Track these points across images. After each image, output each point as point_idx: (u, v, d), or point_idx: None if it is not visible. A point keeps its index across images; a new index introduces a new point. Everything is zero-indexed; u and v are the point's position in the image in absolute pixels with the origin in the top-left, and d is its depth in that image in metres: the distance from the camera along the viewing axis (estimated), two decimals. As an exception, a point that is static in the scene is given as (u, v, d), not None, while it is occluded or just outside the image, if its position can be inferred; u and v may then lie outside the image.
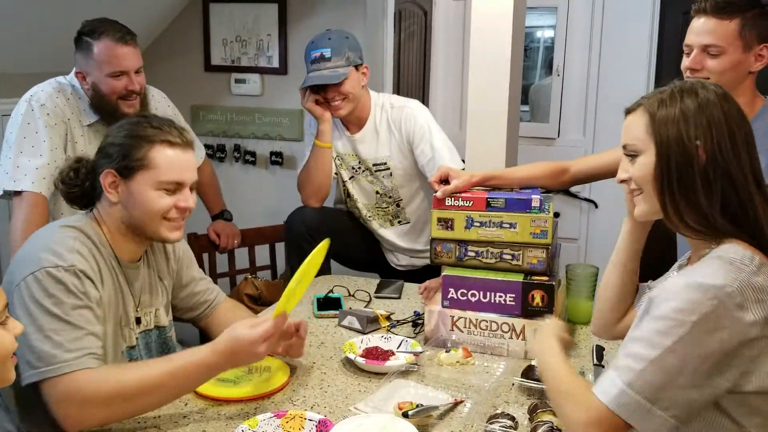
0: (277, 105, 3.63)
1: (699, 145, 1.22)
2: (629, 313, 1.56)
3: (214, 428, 1.52)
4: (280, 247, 3.05)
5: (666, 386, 1.14)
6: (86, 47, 2.32)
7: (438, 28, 4.11)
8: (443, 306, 1.96)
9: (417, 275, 2.68)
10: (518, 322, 1.88)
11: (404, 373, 1.75)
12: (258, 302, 2.67)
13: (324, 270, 2.74)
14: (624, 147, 1.34)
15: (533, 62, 4.58)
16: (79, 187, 1.68)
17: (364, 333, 2.03)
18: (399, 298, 2.38)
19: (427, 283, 2.22)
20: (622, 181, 1.37)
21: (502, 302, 1.91)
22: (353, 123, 2.72)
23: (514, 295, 1.90)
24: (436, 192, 2.03)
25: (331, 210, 2.87)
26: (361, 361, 1.79)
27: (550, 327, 1.52)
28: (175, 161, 1.65)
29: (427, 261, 2.33)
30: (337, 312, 2.17)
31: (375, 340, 1.94)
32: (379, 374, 1.76)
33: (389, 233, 2.84)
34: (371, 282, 2.53)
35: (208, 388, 1.62)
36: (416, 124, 2.64)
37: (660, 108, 1.27)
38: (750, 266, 1.18)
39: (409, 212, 2.80)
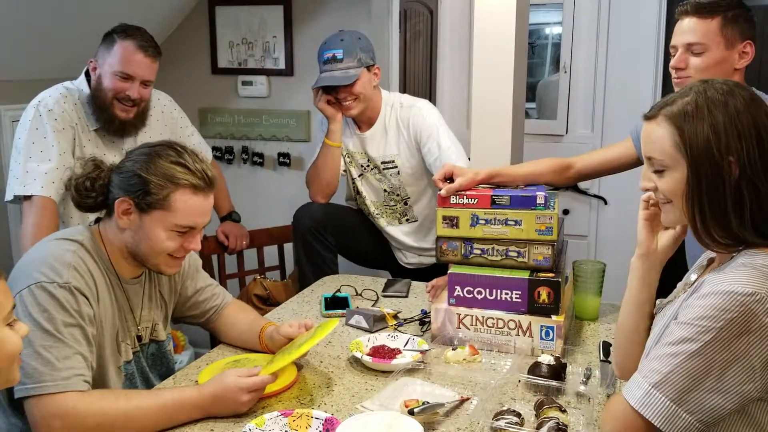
0: (284, 106, 3.64)
1: (732, 160, 1.19)
2: None
3: (221, 427, 1.53)
4: (289, 248, 3.07)
5: (692, 389, 1.15)
6: (110, 41, 2.36)
7: (444, 26, 4.11)
8: (449, 304, 1.96)
9: (426, 273, 2.70)
10: (524, 319, 1.89)
11: (411, 371, 1.75)
12: (267, 302, 2.68)
13: (332, 269, 2.76)
14: (648, 158, 1.29)
15: (542, 59, 4.56)
16: (92, 199, 1.68)
17: (371, 332, 2.04)
18: (406, 296, 2.38)
19: (434, 281, 2.23)
20: (646, 190, 1.33)
21: (509, 299, 1.91)
22: (364, 121, 2.76)
23: (520, 292, 1.90)
24: (440, 190, 2.03)
25: (337, 206, 2.90)
26: (367, 359, 1.80)
27: None
28: (194, 208, 1.63)
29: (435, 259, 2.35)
30: (344, 311, 2.18)
31: (382, 338, 1.94)
32: (386, 372, 1.77)
33: (397, 231, 2.86)
34: (378, 281, 2.54)
35: None
36: (424, 122, 2.66)
37: (687, 121, 1.21)
38: None
39: (417, 210, 2.81)
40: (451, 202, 1.99)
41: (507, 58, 2.53)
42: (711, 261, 1.37)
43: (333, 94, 2.67)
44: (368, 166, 2.80)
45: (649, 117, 1.29)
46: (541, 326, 1.87)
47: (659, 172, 1.28)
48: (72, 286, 1.53)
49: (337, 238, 2.77)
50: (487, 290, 1.93)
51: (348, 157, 2.82)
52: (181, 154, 1.64)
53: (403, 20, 3.77)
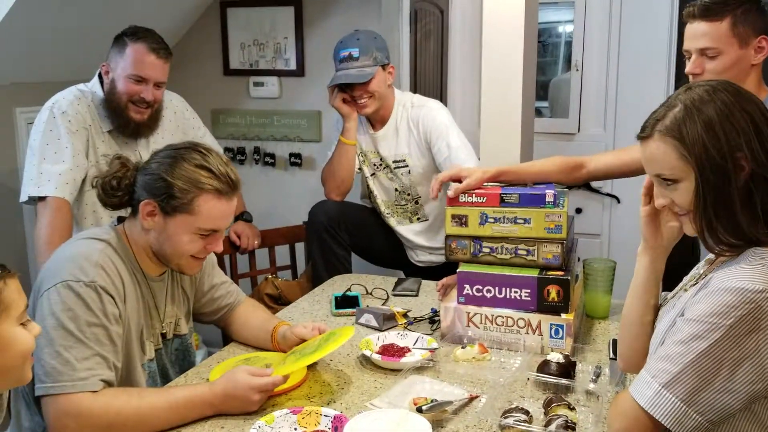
0: (295, 107, 3.66)
1: (739, 156, 1.18)
2: None
3: (231, 425, 1.54)
4: (300, 247, 3.09)
5: (702, 389, 1.15)
6: (122, 44, 2.38)
7: (455, 26, 4.10)
8: (459, 302, 1.97)
9: (437, 271, 2.70)
10: (534, 318, 1.89)
11: (420, 369, 1.76)
12: (278, 302, 2.70)
13: (345, 266, 2.77)
14: (657, 175, 1.27)
15: (554, 57, 4.55)
16: (118, 198, 1.69)
17: (381, 330, 2.04)
18: (416, 295, 2.39)
19: (444, 280, 2.23)
20: (663, 207, 1.32)
21: (518, 298, 1.91)
22: (377, 120, 2.79)
23: (529, 291, 1.90)
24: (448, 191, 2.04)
25: (352, 204, 2.93)
26: (377, 357, 1.80)
27: None
28: (218, 212, 1.64)
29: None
30: (354, 310, 2.19)
31: (391, 337, 1.95)
32: (395, 371, 1.77)
33: (407, 230, 2.87)
34: (389, 280, 2.55)
35: None
36: (434, 122, 2.68)
37: (683, 130, 1.21)
38: None
39: (428, 210, 2.83)
40: (460, 200, 1.99)
41: (516, 56, 2.52)
42: (719, 255, 1.37)
43: (348, 92, 2.70)
44: (380, 165, 2.82)
45: (644, 137, 1.27)
46: (551, 324, 1.87)
47: (671, 186, 1.26)
48: (98, 285, 1.55)
49: (351, 236, 2.79)
50: (497, 288, 1.93)
51: (362, 156, 2.84)
52: (206, 157, 1.65)
53: (414, 20, 3.78)
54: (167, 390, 1.62)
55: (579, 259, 2.24)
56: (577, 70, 4.01)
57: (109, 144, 2.46)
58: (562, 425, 1.42)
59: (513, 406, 1.51)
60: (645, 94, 3.72)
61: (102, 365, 1.52)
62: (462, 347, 1.86)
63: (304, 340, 1.82)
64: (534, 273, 1.91)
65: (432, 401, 1.52)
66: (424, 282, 2.50)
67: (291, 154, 3.68)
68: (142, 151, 2.50)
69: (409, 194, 2.81)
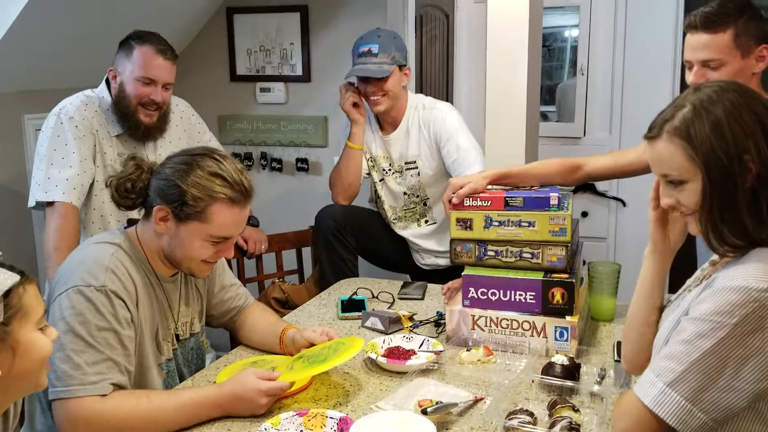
0: (301, 112, 3.68)
1: (747, 159, 1.18)
2: None
3: (238, 427, 1.55)
4: (307, 252, 3.10)
5: (707, 388, 1.15)
6: (128, 48, 2.40)
7: (460, 31, 4.10)
8: (464, 305, 1.97)
9: (444, 275, 2.71)
10: (539, 320, 1.89)
11: (425, 371, 1.77)
12: (285, 305, 2.71)
13: (352, 270, 2.78)
14: (664, 175, 1.28)
15: (560, 62, 4.55)
16: (131, 200, 1.69)
17: (386, 333, 2.05)
18: (422, 299, 2.40)
19: (449, 283, 2.24)
20: (670, 206, 1.32)
21: (523, 300, 1.92)
22: (388, 123, 2.80)
23: (534, 293, 1.90)
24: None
25: (359, 208, 2.93)
26: (382, 360, 1.81)
27: None
28: (230, 220, 1.64)
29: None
30: (360, 314, 2.20)
31: (397, 340, 1.96)
32: (401, 373, 1.78)
33: (414, 233, 2.88)
34: (395, 283, 2.56)
35: None
36: (444, 124, 2.70)
37: (691, 131, 1.20)
38: None
39: (436, 212, 2.84)
40: (465, 204, 2.00)
41: (520, 61, 2.53)
42: (723, 255, 1.37)
43: (362, 87, 2.71)
44: (390, 170, 2.83)
45: (652, 137, 1.27)
46: (556, 327, 1.87)
47: (678, 187, 1.26)
48: (108, 289, 1.56)
49: (357, 240, 2.80)
50: (501, 291, 1.94)
51: (371, 161, 2.85)
52: (220, 164, 1.64)
53: (419, 25, 3.79)
54: (176, 392, 1.64)
55: (584, 262, 2.24)
56: (583, 74, 4.02)
57: (117, 148, 2.47)
58: (567, 427, 1.43)
59: (517, 408, 1.52)
60: (650, 98, 3.71)
61: (113, 369, 1.53)
62: (467, 350, 1.87)
63: (312, 344, 1.83)
64: (539, 276, 1.91)
65: (437, 403, 1.53)
66: (430, 285, 2.51)
67: (298, 159, 3.70)
68: (150, 155, 2.52)
69: (417, 196, 2.82)
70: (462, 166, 2.61)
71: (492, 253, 1.99)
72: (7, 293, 1.12)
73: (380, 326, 2.10)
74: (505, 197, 1.97)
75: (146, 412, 1.51)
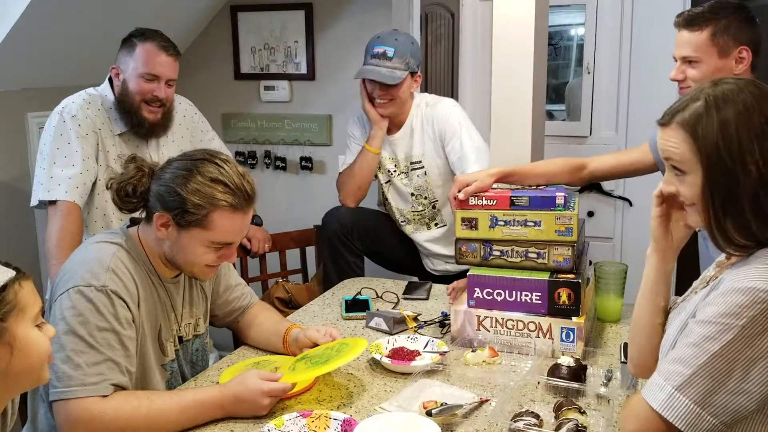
0: (305, 111, 3.66)
1: (748, 161, 1.17)
2: None
3: (241, 428, 1.54)
4: (311, 251, 3.09)
5: (715, 391, 1.14)
6: (130, 45, 2.40)
7: (466, 30, 4.09)
8: (469, 306, 1.96)
9: (452, 280, 2.68)
10: (545, 321, 1.87)
11: (430, 372, 1.75)
12: (289, 305, 2.70)
13: (357, 273, 2.76)
14: (667, 160, 1.28)
15: (567, 60, 4.53)
16: (132, 204, 1.67)
17: (391, 334, 2.04)
18: (427, 299, 2.38)
19: (454, 283, 2.22)
20: (669, 193, 1.32)
21: (528, 301, 1.90)
22: (393, 124, 2.76)
23: (540, 294, 1.89)
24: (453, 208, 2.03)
25: (366, 210, 2.90)
26: (386, 361, 1.80)
27: None
28: (232, 227, 1.62)
29: (461, 267, 2.33)
30: (364, 314, 2.18)
31: (401, 340, 1.94)
32: (405, 374, 1.77)
33: (425, 237, 2.85)
34: (399, 284, 2.54)
35: None
36: (447, 121, 2.66)
37: (699, 126, 1.20)
38: None
39: (445, 214, 2.80)
40: (470, 203, 1.99)
41: (526, 59, 2.51)
42: (729, 256, 1.36)
43: (370, 88, 2.67)
44: (395, 171, 2.79)
45: (663, 123, 1.27)
46: (562, 328, 1.86)
47: (680, 176, 1.26)
48: (109, 289, 1.54)
49: (364, 243, 2.77)
50: (507, 292, 1.92)
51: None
52: (221, 169, 1.61)
53: (425, 24, 3.77)
54: (177, 393, 1.62)
55: (590, 263, 2.23)
56: (589, 72, 3.99)
57: (120, 147, 2.46)
58: (573, 429, 1.41)
59: (523, 410, 1.50)
60: (657, 96, 3.68)
61: (113, 370, 1.52)
62: (472, 350, 1.85)
63: (316, 344, 1.82)
64: (544, 276, 1.90)
65: (442, 405, 1.52)
66: (435, 286, 2.49)
67: (302, 158, 3.69)
68: (153, 153, 2.51)
69: (425, 197, 2.78)
70: (466, 163, 2.58)
71: (497, 253, 1.97)
72: (3, 289, 1.12)
73: (384, 326, 2.08)
74: (511, 197, 1.95)
75: (148, 413, 1.50)
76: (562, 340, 1.86)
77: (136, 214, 1.75)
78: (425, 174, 2.74)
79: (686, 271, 1.52)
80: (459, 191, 2.01)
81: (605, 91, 3.95)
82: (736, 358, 1.12)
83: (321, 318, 2.24)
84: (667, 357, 1.23)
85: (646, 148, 2.19)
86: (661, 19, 3.75)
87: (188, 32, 3.68)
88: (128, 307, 1.58)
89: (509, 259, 1.96)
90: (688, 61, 2.03)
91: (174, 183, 1.60)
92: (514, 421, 1.46)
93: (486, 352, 1.83)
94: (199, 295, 1.86)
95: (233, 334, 2.17)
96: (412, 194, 2.79)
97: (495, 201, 1.97)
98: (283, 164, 3.73)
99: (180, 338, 1.79)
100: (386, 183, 2.83)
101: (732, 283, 1.16)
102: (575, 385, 1.63)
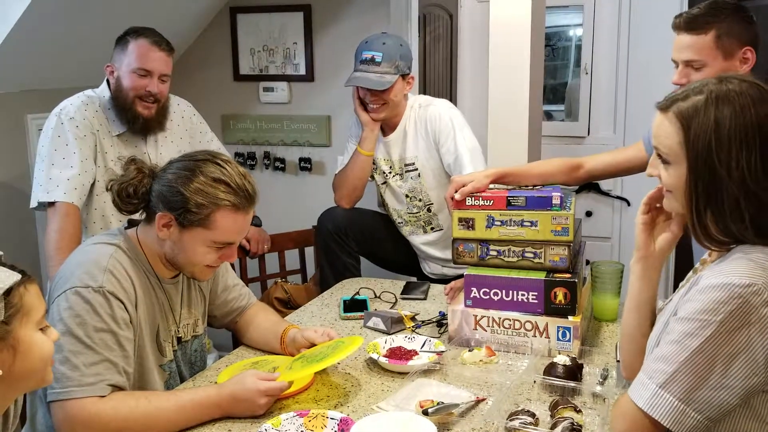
0: (305, 112, 3.67)
1: (733, 167, 1.18)
2: None
3: (239, 428, 1.54)
4: (310, 252, 3.10)
5: (698, 387, 1.15)
6: (124, 43, 2.41)
7: (464, 30, 4.10)
8: (466, 305, 1.97)
9: (449, 282, 2.69)
10: (541, 320, 1.88)
11: (427, 372, 1.76)
12: (287, 305, 2.71)
13: (354, 274, 2.77)
14: (656, 147, 1.29)
15: (565, 61, 4.54)
16: (133, 205, 1.68)
17: (388, 333, 2.04)
18: (425, 299, 2.39)
19: (452, 283, 2.22)
20: (651, 176, 1.33)
21: (525, 300, 1.91)
22: (387, 126, 2.75)
23: (536, 293, 1.90)
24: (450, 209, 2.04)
25: (362, 211, 2.90)
26: (384, 360, 1.80)
27: None
28: (234, 226, 1.63)
29: (458, 270, 2.33)
30: (362, 314, 2.19)
31: (399, 340, 1.95)
32: (403, 374, 1.77)
33: (421, 241, 2.85)
34: (397, 284, 2.55)
35: None
36: (441, 122, 2.64)
37: (693, 122, 1.21)
38: None
39: (441, 218, 2.79)
40: (467, 204, 1.99)
41: (523, 60, 2.53)
42: (711, 254, 1.37)
43: (361, 94, 2.67)
44: (390, 172, 2.79)
45: (661, 108, 1.28)
46: (558, 327, 1.87)
47: (664, 163, 1.28)
48: (106, 290, 1.55)
49: (360, 244, 2.77)
50: (504, 291, 1.93)
51: (373, 164, 2.81)
52: (223, 170, 1.62)
53: (423, 25, 3.78)
54: (175, 393, 1.63)
55: (587, 262, 2.23)
56: (587, 73, 4.01)
57: (118, 148, 2.47)
58: (569, 428, 1.42)
59: (519, 409, 1.51)
60: (654, 97, 3.67)
61: (111, 370, 1.53)
62: (469, 350, 1.86)
63: (313, 344, 1.83)
64: (541, 276, 1.90)
65: (438, 404, 1.52)
66: (432, 286, 2.50)
67: (301, 159, 3.70)
68: (151, 153, 2.51)
69: (420, 200, 2.77)
70: (461, 165, 2.56)
71: (494, 253, 1.98)
72: (8, 292, 1.12)
73: (382, 326, 2.09)
74: (508, 197, 1.96)
75: (145, 413, 1.51)
76: (558, 339, 1.87)
77: (136, 216, 1.76)
78: (419, 176, 2.72)
79: (684, 273, 1.53)
80: (456, 192, 2.02)
81: (603, 91, 3.97)
82: (716, 353, 1.14)
83: (319, 318, 2.25)
84: (651, 355, 1.24)
85: (641, 146, 2.20)
86: (659, 19, 3.76)
87: (187, 34, 3.69)
88: (125, 307, 1.58)
89: (506, 259, 1.97)
90: (691, 65, 1.98)
91: (176, 183, 1.61)
92: (510, 420, 1.47)
93: (483, 352, 1.84)
94: (197, 295, 1.87)
95: (232, 335, 2.18)
96: (407, 196, 2.78)
97: (492, 201, 1.97)
98: (282, 165, 3.74)
99: (179, 339, 1.80)
100: (382, 184, 2.83)
101: (708, 280, 1.17)
102: (571, 383, 1.64)
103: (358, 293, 2.38)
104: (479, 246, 1.99)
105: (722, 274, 1.16)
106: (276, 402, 1.62)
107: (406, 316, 2.13)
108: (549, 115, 4.33)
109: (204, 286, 1.89)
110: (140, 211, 1.72)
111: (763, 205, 1.19)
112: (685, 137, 1.22)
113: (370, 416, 1.49)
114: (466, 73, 4.11)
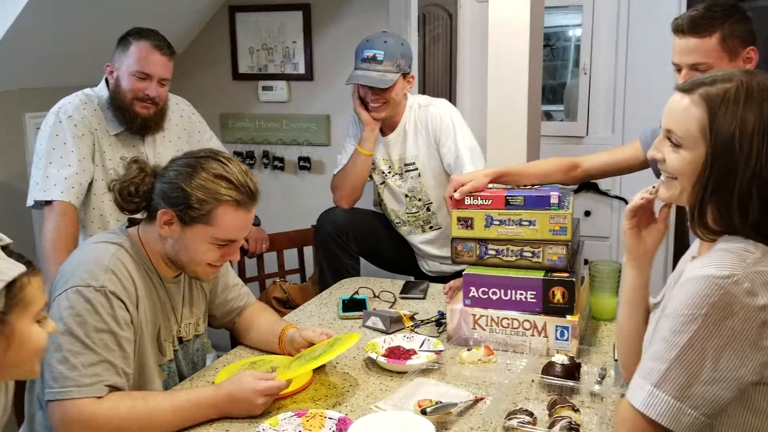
0: (304, 111, 3.67)
1: (753, 159, 1.17)
2: None
3: (236, 428, 1.54)
4: (309, 251, 3.09)
5: (691, 383, 1.14)
6: (125, 44, 2.40)
7: (463, 30, 4.11)
8: (465, 305, 1.97)
9: (448, 280, 2.68)
10: (539, 320, 1.88)
11: (426, 371, 1.76)
12: (286, 305, 2.70)
13: (353, 274, 2.77)
14: (669, 130, 1.26)
15: (564, 61, 4.55)
16: (135, 204, 1.68)
17: (387, 333, 2.04)
18: (424, 298, 2.39)
19: (451, 283, 2.23)
20: (654, 159, 1.31)
21: (523, 299, 1.91)
22: (387, 126, 2.74)
23: (534, 293, 1.90)
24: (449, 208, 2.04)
25: (360, 211, 2.89)
26: (382, 360, 1.80)
27: None
28: (236, 223, 1.63)
29: (456, 267, 2.33)
30: (361, 313, 2.19)
31: (398, 339, 1.95)
32: (401, 373, 1.77)
33: (419, 240, 2.85)
34: (396, 283, 2.55)
35: None
36: (442, 122, 2.64)
37: (721, 109, 1.19)
38: (755, 253, 1.17)
39: (440, 217, 2.79)
40: (466, 203, 1.99)
41: (522, 60, 2.53)
42: (699, 249, 1.38)
43: (362, 93, 2.66)
44: (389, 172, 2.78)
45: (684, 90, 1.25)
46: (556, 326, 1.86)
47: (674, 146, 1.26)
48: (108, 290, 1.54)
49: (359, 245, 2.76)
50: (502, 291, 1.93)
51: (372, 164, 2.81)
52: (225, 166, 1.62)
53: (422, 24, 3.78)
54: (172, 393, 1.63)
55: (586, 261, 2.24)
56: (586, 73, 4.01)
57: (116, 147, 2.47)
58: (566, 427, 1.42)
59: (517, 408, 1.51)
60: (653, 97, 3.69)
61: (110, 371, 1.52)
62: (468, 349, 1.86)
63: (311, 343, 1.82)
64: (539, 275, 1.90)
65: (437, 403, 1.52)
66: (432, 285, 2.50)
67: (300, 158, 3.70)
68: (149, 152, 2.51)
69: (419, 199, 2.77)
70: (461, 165, 2.57)
71: (493, 252, 1.98)
72: (11, 283, 1.12)
73: (381, 326, 2.09)
74: (506, 196, 1.96)
75: (142, 414, 1.50)
76: (556, 339, 1.87)
77: (137, 216, 1.76)
78: (419, 175, 2.72)
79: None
80: (455, 191, 2.02)
81: (602, 91, 3.97)
82: (705, 347, 1.13)
83: (318, 318, 2.24)
84: (645, 355, 1.24)
85: (638, 145, 2.20)
86: (658, 20, 3.77)
87: (186, 32, 3.69)
88: (126, 308, 1.58)
89: (504, 258, 1.97)
90: (697, 68, 1.94)
91: (178, 179, 1.61)
92: (509, 419, 1.47)
93: (481, 351, 1.84)
94: (199, 294, 1.86)
95: (230, 335, 2.17)
96: (406, 195, 2.78)
97: (490, 201, 1.97)
98: (281, 164, 3.74)
99: (180, 339, 1.80)
100: (381, 184, 2.82)
101: (689, 273, 1.17)
102: (569, 383, 1.64)
103: (357, 293, 2.38)
104: (478, 245, 1.99)
105: (701, 267, 1.16)
106: (274, 402, 1.62)
107: (404, 315, 2.13)
108: (548, 115, 4.34)
109: (205, 285, 1.89)
110: (141, 211, 1.72)
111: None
112: (709, 123, 1.20)
113: (369, 416, 1.48)
114: (465, 72, 4.11)
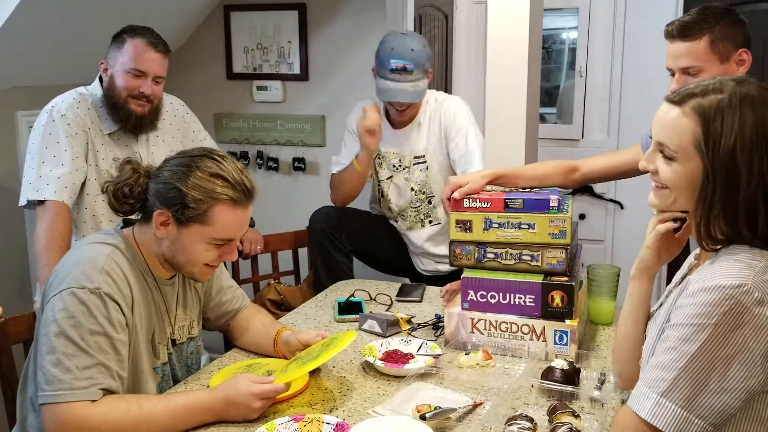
0: (299, 111, 3.65)
1: (755, 170, 1.16)
2: None
3: (232, 432, 1.52)
4: (303, 253, 3.07)
5: (699, 392, 1.14)
6: (120, 41, 2.37)
7: (459, 31, 4.09)
8: (463, 308, 1.95)
9: (444, 281, 2.67)
10: (538, 324, 1.87)
11: (423, 375, 1.74)
12: (281, 307, 2.68)
13: (347, 273, 2.76)
14: (660, 142, 1.25)
15: (558, 64, 4.54)
16: (130, 205, 1.66)
17: (384, 336, 2.03)
18: (420, 301, 2.37)
19: (448, 285, 2.21)
20: (645, 170, 1.30)
21: (522, 303, 1.89)
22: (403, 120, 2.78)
23: (533, 296, 1.88)
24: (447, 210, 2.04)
25: (354, 210, 2.90)
26: (380, 364, 1.79)
27: None
28: (233, 222, 1.61)
29: (452, 267, 2.32)
30: (357, 316, 2.17)
31: (395, 343, 1.93)
32: (399, 377, 1.75)
33: (418, 235, 2.85)
34: (393, 286, 2.53)
35: None
36: (455, 118, 2.69)
37: (715, 122, 1.17)
38: (762, 262, 1.16)
39: (440, 212, 2.81)
40: (465, 206, 1.98)
41: (521, 62, 2.51)
42: (698, 258, 1.37)
43: (387, 102, 2.69)
44: (399, 166, 2.80)
45: (673, 101, 1.23)
46: (555, 330, 1.85)
47: (667, 159, 1.24)
48: (102, 291, 1.52)
49: (353, 243, 2.77)
50: (501, 294, 1.91)
51: (379, 158, 2.81)
52: (220, 164, 1.61)
53: (418, 25, 3.77)
54: (167, 396, 1.60)
55: (583, 265, 2.22)
56: (581, 76, 4.01)
57: (109, 146, 2.44)
58: (567, 433, 1.41)
59: (517, 414, 1.50)
60: (648, 100, 3.68)
61: (104, 374, 1.50)
62: (466, 353, 1.84)
63: (307, 345, 1.81)
64: (538, 279, 1.89)
65: (435, 408, 1.51)
66: (429, 288, 2.48)
67: (294, 159, 3.67)
68: (142, 152, 2.49)
69: (423, 192, 2.80)
70: (468, 163, 2.61)
71: (491, 256, 1.96)
72: None
73: (378, 329, 2.07)
74: (505, 199, 1.94)
75: (137, 418, 1.48)
76: (555, 343, 1.85)
77: (132, 216, 1.73)
78: (427, 168, 2.76)
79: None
80: (452, 192, 2.00)
81: (597, 94, 3.96)
82: (714, 356, 1.13)
83: (314, 320, 2.22)
84: (649, 364, 1.23)
85: (638, 149, 2.19)
86: (653, 23, 3.76)
87: (181, 31, 3.67)
88: (121, 310, 1.55)
89: (503, 262, 1.95)
90: (688, 72, 1.96)
91: (173, 179, 1.59)
92: (508, 425, 1.45)
93: (479, 355, 1.82)
94: (193, 296, 1.84)
95: (224, 337, 2.15)
96: (412, 189, 2.80)
97: (489, 203, 1.96)
98: (276, 165, 3.72)
99: (173, 341, 1.78)
100: (387, 179, 2.83)
101: (699, 284, 1.16)
102: (569, 388, 1.62)
103: (353, 295, 2.36)
104: (476, 248, 1.97)
105: (711, 277, 1.15)
106: (271, 406, 1.60)
107: (402, 318, 2.12)
108: (542, 118, 4.33)
109: (199, 287, 1.87)
110: (136, 213, 1.70)
111: None
112: (704, 135, 1.18)
113: (366, 421, 1.47)
114: (461, 73, 4.10)
